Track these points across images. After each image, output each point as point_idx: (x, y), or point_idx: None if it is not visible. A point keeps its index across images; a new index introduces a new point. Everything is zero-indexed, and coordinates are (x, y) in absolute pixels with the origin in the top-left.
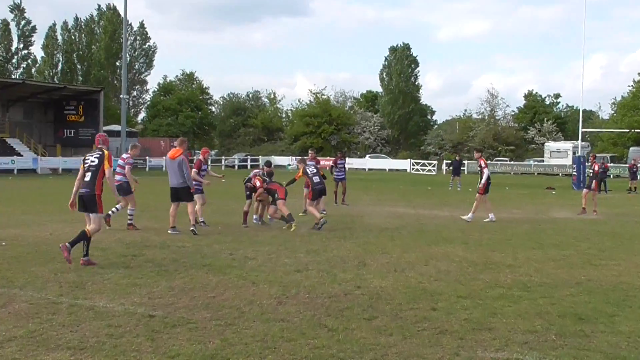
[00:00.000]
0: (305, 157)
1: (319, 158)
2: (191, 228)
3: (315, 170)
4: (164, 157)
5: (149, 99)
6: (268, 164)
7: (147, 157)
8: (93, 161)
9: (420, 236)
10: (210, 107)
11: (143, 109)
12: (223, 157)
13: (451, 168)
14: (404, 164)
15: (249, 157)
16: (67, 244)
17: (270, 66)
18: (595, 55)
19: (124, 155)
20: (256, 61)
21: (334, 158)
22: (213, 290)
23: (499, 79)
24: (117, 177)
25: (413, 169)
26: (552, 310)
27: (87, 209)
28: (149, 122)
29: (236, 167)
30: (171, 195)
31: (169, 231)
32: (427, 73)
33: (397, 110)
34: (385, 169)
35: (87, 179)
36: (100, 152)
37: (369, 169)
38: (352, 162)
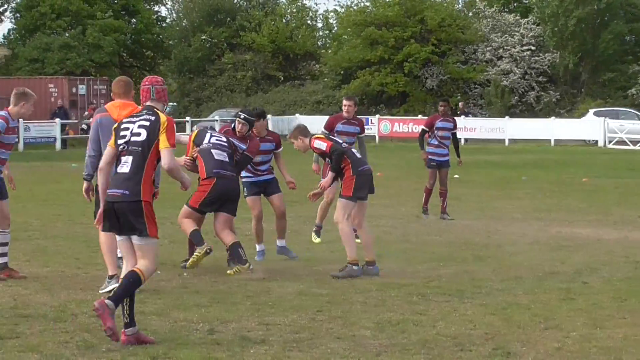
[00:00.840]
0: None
1: (392, 117)
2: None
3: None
4: (57, 121)
5: None
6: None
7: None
8: (137, 133)
9: (632, 290)
10: (157, 10)
11: (7, 14)
12: (187, 118)
13: None
14: (590, 128)
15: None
16: (106, 300)
17: None
18: None
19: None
20: None
21: (428, 117)
22: None
23: None
24: None
25: (613, 140)
26: None
27: (129, 228)
28: (19, 42)
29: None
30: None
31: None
32: None
33: (574, 7)
34: (549, 140)
35: (123, 169)
36: (153, 115)
37: (511, 140)
38: (472, 125)
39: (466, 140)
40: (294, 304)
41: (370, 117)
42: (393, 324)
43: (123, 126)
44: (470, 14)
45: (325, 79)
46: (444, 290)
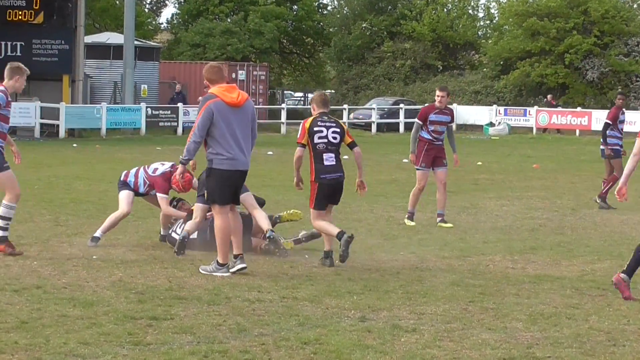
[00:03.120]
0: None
1: (551, 109)
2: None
3: None
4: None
5: None
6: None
7: (179, 105)
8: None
9: None
10: None
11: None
12: (345, 105)
13: None
14: None
15: (402, 105)
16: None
17: None
18: None
19: None
20: None
21: (610, 110)
22: None
23: None
24: None
25: None
26: None
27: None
28: (182, 27)
29: (374, 127)
30: (229, 189)
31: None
32: None
33: None
34: None
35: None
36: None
37: None
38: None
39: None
40: (446, 293)
41: (528, 109)
42: (545, 317)
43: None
44: (635, 5)
45: (485, 69)
46: (598, 284)
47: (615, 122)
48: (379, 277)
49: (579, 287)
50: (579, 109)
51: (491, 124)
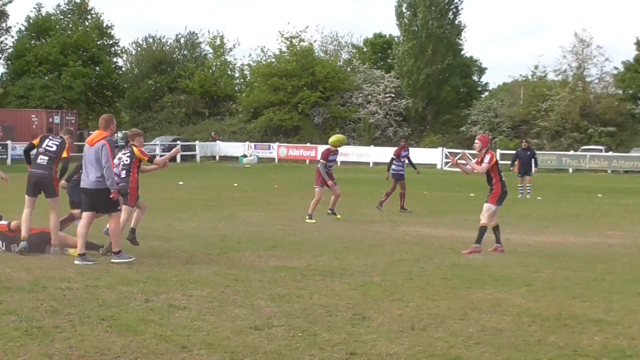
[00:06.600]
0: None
1: (288, 144)
2: (113, 253)
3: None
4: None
5: (10, 44)
6: None
7: (7, 142)
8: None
9: (455, 273)
10: (115, 60)
11: (1, 61)
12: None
13: (516, 163)
14: (431, 155)
15: (179, 142)
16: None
17: None
18: None
19: None
20: None
21: (397, 148)
22: (116, 358)
23: (594, 15)
24: None
25: (447, 163)
26: None
27: None
28: (10, 82)
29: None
30: (83, 202)
31: (76, 262)
32: (474, 5)
33: (424, 66)
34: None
35: None
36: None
37: (374, 163)
38: (346, 152)
39: (342, 162)
40: (209, 280)
41: (271, 145)
42: (281, 296)
43: None
44: (349, 69)
45: (240, 115)
46: (320, 272)
47: (398, 156)
48: (160, 269)
49: (306, 274)
50: (308, 144)
51: (244, 156)
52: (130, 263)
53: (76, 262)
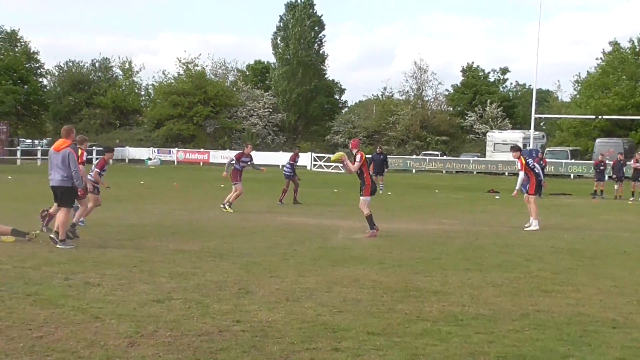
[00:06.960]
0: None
1: (185, 149)
2: (51, 235)
3: None
4: None
5: None
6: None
7: None
8: None
9: (322, 254)
10: (40, 80)
11: None
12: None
13: (371, 165)
14: (303, 158)
15: (94, 148)
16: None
17: (125, 23)
18: (556, 17)
19: None
20: (106, 16)
21: (292, 154)
22: (40, 328)
23: (430, 48)
24: None
25: (315, 165)
26: (490, 350)
27: None
28: None
29: None
30: (54, 197)
31: (58, 245)
32: (335, 38)
33: (295, 87)
34: (278, 165)
35: None
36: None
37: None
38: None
39: None
40: (119, 262)
41: (172, 150)
42: (179, 274)
43: None
44: (234, 88)
45: (145, 125)
46: (212, 253)
47: (294, 160)
48: (78, 253)
49: (200, 255)
50: (202, 149)
51: (149, 159)
52: (71, 249)
53: (58, 246)
